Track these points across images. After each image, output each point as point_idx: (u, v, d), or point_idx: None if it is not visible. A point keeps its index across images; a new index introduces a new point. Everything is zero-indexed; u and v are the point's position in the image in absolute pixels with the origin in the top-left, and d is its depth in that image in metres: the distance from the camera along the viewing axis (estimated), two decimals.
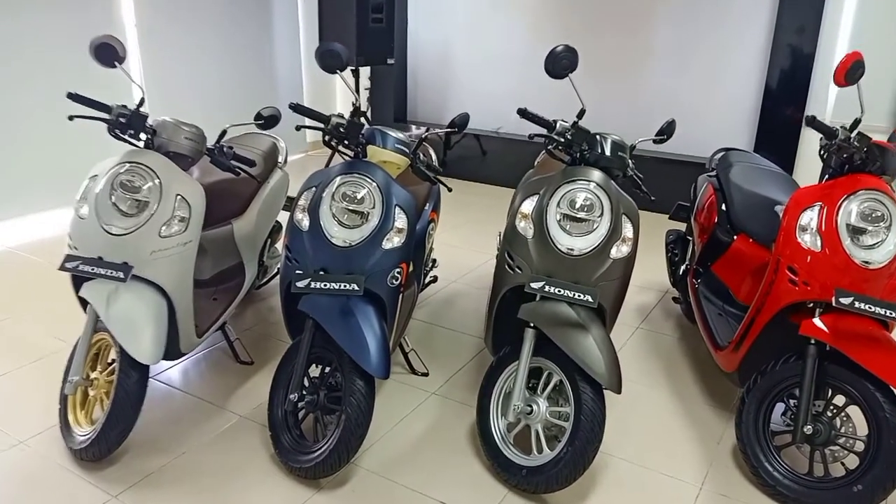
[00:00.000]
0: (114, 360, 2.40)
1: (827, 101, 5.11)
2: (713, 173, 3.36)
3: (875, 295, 2.19)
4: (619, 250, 2.25)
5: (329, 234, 2.32)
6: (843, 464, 2.27)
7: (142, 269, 2.30)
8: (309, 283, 2.27)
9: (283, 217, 3.20)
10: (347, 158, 2.45)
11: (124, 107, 2.43)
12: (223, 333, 3.03)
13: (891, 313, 2.13)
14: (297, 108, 2.37)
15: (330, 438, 2.25)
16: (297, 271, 2.32)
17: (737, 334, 2.54)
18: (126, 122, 2.39)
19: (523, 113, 2.22)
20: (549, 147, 2.38)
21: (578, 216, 2.21)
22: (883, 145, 2.27)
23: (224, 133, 2.89)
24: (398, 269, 2.36)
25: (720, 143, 4.17)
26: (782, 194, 2.85)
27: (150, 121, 2.43)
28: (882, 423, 2.13)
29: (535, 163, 3.13)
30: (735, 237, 3.00)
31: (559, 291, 2.21)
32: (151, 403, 2.66)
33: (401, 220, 2.35)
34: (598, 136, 2.31)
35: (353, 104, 2.46)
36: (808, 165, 5.19)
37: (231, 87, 6.17)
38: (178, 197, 2.37)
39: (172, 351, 2.52)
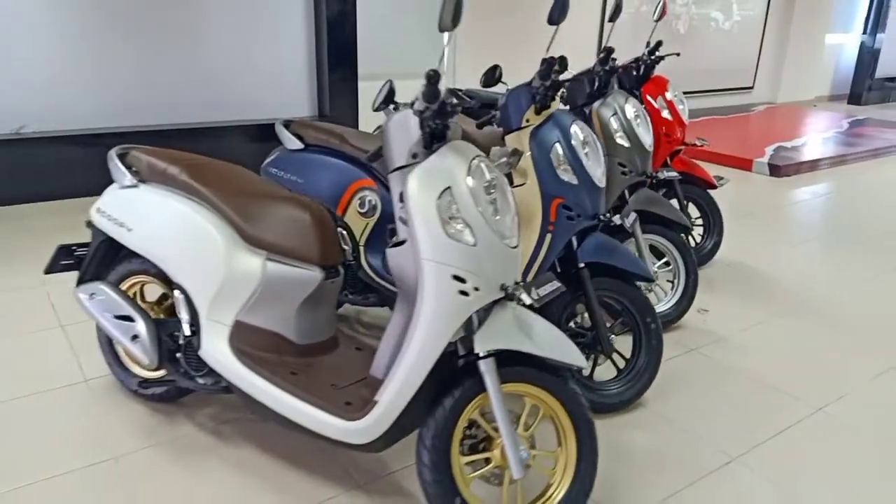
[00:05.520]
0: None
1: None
2: None
3: None
4: None
5: (596, 179, 2.52)
6: None
7: None
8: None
9: None
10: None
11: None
12: None
13: None
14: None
15: (637, 362, 2.56)
16: (584, 223, 2.45)
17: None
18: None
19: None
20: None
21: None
22: None
23: None
24: None
25: (286, 105, 5.07)
26: None
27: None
28: (710, 204, 3.96)
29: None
30: None
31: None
32: None
33: None
34: None
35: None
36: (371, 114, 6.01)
37: None
38: None
39: None
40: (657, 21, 3.82)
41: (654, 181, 3.46)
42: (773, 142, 7.49)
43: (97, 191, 5.12)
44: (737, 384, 2.82)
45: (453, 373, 1.85)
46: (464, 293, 1.73)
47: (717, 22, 9.72)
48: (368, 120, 5.95)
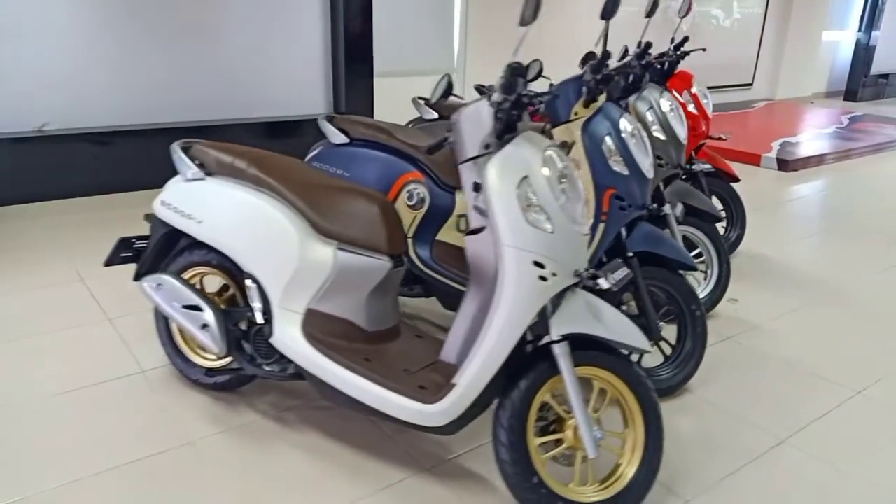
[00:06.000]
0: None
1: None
2: None
3: None
4: None
5: (644, 169, 2.59)
6: None
7: None
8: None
9: None
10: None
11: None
12: None
13: None
14: None
15: (684, 348, 2.63)
16: (634, 213, 2.53)
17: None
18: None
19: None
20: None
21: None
22: None
23: None
24: None
25: (301, 103, 5.09)
26: None
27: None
28: (733, 196, 4.08)
29: None
30: None
31: None
32: None
33: None
34: None
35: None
36: (383, 111, 5.91)
37: None
38: None
39: None
40: (682, 17, 3.89)
41: (686, 173, 3.54)
42: (777, 137, 7.61)
43: (119, 188, 5.23)
44: (775, 370, 2.90)
45: (522, 358, 1.92)
46: (543, 279, 1.79)
47: (717, 19, 9.84)
48: (383, 117, 5.99)
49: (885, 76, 12.52)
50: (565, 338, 1.85)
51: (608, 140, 2.51)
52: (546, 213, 1.81)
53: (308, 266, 2.09)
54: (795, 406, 2.64)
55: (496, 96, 1.81)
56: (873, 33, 11.86)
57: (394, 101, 6.44)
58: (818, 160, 6.90)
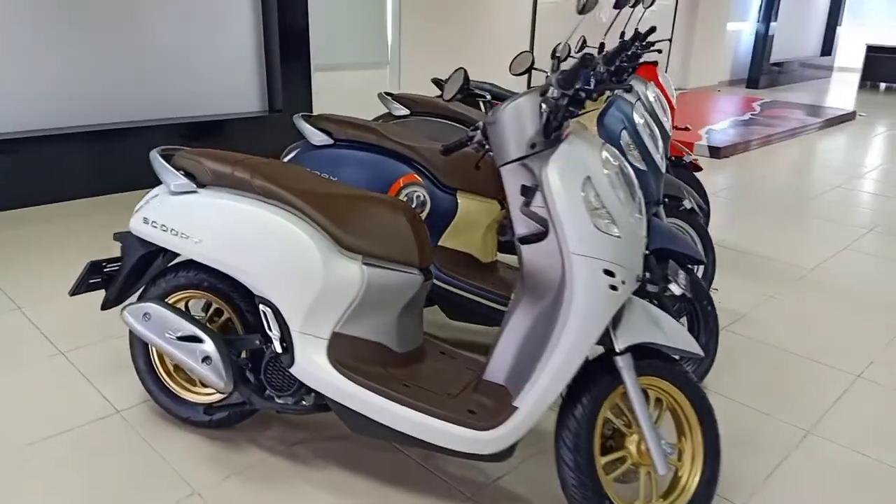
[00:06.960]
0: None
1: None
2: None
3: None
4: None
5: (658, 162, 2.59)
6: None
7: None
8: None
9: None
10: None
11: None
12: None
13: None
14: None
15: (698, 343, 2.44)
16: (652, 209, 2.54)
17: None
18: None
19: None
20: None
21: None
22: None
23: None
24: None
25: (233, 101, 4.98)
26: None
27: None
28: (696, 186, 3.96)
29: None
30: None
31: None
32: None
33: None
34: None
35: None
36: (322, 108, 5.89)
37: None
38: None
39: None
40: (647, 7, 3.86)
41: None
42: (703, 125, 7.86)
43: (31, 201, 4.67)
44: (775, 358, 2.92)
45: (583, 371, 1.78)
46: (614, 287, 1.66)
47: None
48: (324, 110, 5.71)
49: (780, 64, 13.27)
50: (628, 349, 1.73)
51: (624, 134, 2.42)
52: (611, 217, 1.68)
53: (333, 285, 1.87)
54: (806, 395, 2.65)
55: (554, 91, 1.66)
56: (771, 24, 12.52)
57: (332, 97, 6.18)
58: (744, 146, 7.16)
